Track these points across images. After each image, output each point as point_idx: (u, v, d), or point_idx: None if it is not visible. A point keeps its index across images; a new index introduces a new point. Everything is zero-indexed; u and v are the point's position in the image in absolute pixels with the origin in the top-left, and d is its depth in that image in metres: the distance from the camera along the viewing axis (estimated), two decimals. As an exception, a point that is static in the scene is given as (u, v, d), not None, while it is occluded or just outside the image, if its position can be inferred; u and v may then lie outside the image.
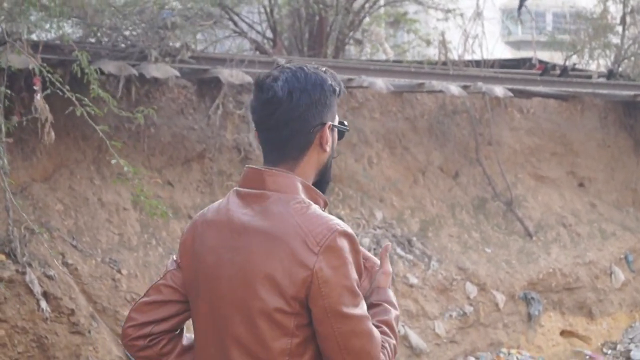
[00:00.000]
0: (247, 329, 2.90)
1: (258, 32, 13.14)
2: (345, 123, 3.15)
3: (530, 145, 12.99)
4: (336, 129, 3.10)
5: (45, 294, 8.29)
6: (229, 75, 9.86)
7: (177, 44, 9.62)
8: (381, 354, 2.91)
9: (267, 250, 2.88)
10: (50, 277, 8.42)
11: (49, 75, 7.42)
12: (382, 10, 14.28)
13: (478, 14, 12.87)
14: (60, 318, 8.33)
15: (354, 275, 2.88)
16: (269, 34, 13.18)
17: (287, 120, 2.97)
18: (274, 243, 2.87)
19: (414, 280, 10.50)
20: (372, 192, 11.50)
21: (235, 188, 3.08)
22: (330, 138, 3.06)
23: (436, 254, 10.99)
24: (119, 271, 9.06)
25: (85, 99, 7.47)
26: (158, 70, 9.43)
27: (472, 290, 10.77)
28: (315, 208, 2.94)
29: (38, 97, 7.96)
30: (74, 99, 7.30)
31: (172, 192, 10.19)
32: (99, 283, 8.89)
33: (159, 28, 9.50)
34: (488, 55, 13.20)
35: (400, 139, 12.16)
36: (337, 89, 3.07)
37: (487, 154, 12.50)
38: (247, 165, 3.07)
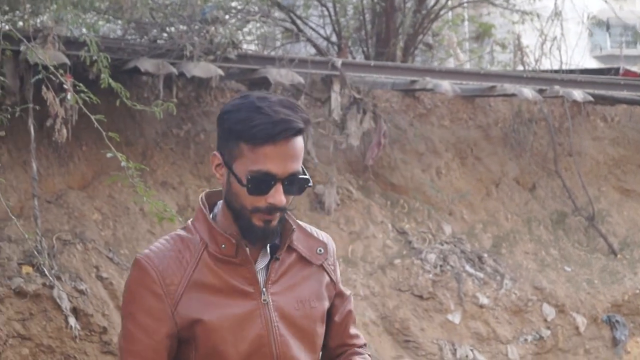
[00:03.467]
0: None
1: (322, 36, 12.39)
2: (248, 178, 2.69)
3: (614, 156, 12.01)
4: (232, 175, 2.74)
5: (74, 310, 7.70)
6: (278, 74, 9.09)
7: (221, 41, 8.86)
8: None
9: None
10: (81, 292, 7.82)
11: (56, 75, 6.70)
12: (450, 14, 13.41)
13: (556, 14, 11.93)
14: (90, 336, 7.73)
15: (127, 306, 2.78)
16: (334, 38, 12.43)
17: None
18: None
19: (484, 300, 9.62)
20: (441, 204, 10.66)
21: None
22: (222, 170, 2.77)
23: (510, 272, 10.08)
24: (158, 286, 8.33)
25: (79, 83, 6.71)
26: (200, 68, 8.70)
27: (549, 312, 9.87)
28: (162, 239, 2.84)
29: (69, 96, 7.25)
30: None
31: (221, 202, 9.44)
32: (135, 299, 8.16)
33: (199, 22, 8.76)
34: (568, 60, 12.28)
35: (471, 148, 11.31)
36: (234, 131, 2.70)
37: (567, 165, 11.58)
38: None
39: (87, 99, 6.60)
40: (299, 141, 2.71)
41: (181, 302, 2.72)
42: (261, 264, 2.82)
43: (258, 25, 11.32)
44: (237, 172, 2.71)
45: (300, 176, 2.74)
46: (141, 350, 2.73)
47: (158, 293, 2.71)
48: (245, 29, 11.13)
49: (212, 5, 9.28)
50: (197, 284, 2.74)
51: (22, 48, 7.52)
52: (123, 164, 6.31)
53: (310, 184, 2.76)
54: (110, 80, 6.78)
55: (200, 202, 2.85)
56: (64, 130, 7.22)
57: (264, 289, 2.79)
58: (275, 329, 2.79)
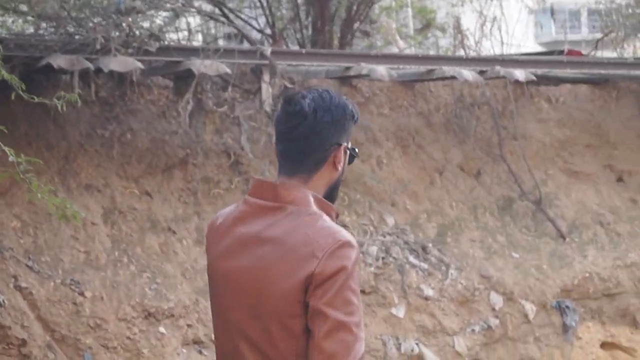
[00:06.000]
0: (257, 329, 3.09)
1: (255, 28, 12.02)
2: (357, 150, 3.35)
3: (560, 137, 11.72)
4: (348, 153, 3.30)
5: (-11, 323, 7.20)
6: (202, 65, 8.67)
7: (140, 33, 8.42)
8: None
9: (277, 259, 3.07)
10: (-2, 304, 7.34)
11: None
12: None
13: (495, -7, 11.64)
14: (8, 350, 7.33)
15: (352, 285, 3.02)
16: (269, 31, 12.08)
17: (309, 134, 3.18)
18: (284, 252, 3.06)
19: (429, 291, 9.28)
20: (382, 195, 10.29)
21: (246, 197, 3.29)
22: (342, 159, 3.25)
23: (455, 261, 9.74)
24: (81, 294, 7.93)
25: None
26: (117, 62, 8.26)
27: (497, 300, 9.55)
28: (324, 219, 3.12)
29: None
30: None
31: (150, 203, 9.07)
32: (57, 308, 7.76)
33: (114, 14, 8.32)
34: (511, 44, 11.98)
35: (413, 136, 10.97)
36: (356, 116, 3.29)
37: (512, 149, 11.28)
38: (254, 176, 3.52)
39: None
40: None
41: None
42: None
43: (191, 18, 10.90)
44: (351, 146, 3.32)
45: None
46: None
47: None
48: (176, 23, 10.72)
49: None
50: None
51: None
52: (11, 158, 5.87)
53: None
54: (4, 72, 6.33)
55: (307, 188, 3.17)
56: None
57: None
58: None
